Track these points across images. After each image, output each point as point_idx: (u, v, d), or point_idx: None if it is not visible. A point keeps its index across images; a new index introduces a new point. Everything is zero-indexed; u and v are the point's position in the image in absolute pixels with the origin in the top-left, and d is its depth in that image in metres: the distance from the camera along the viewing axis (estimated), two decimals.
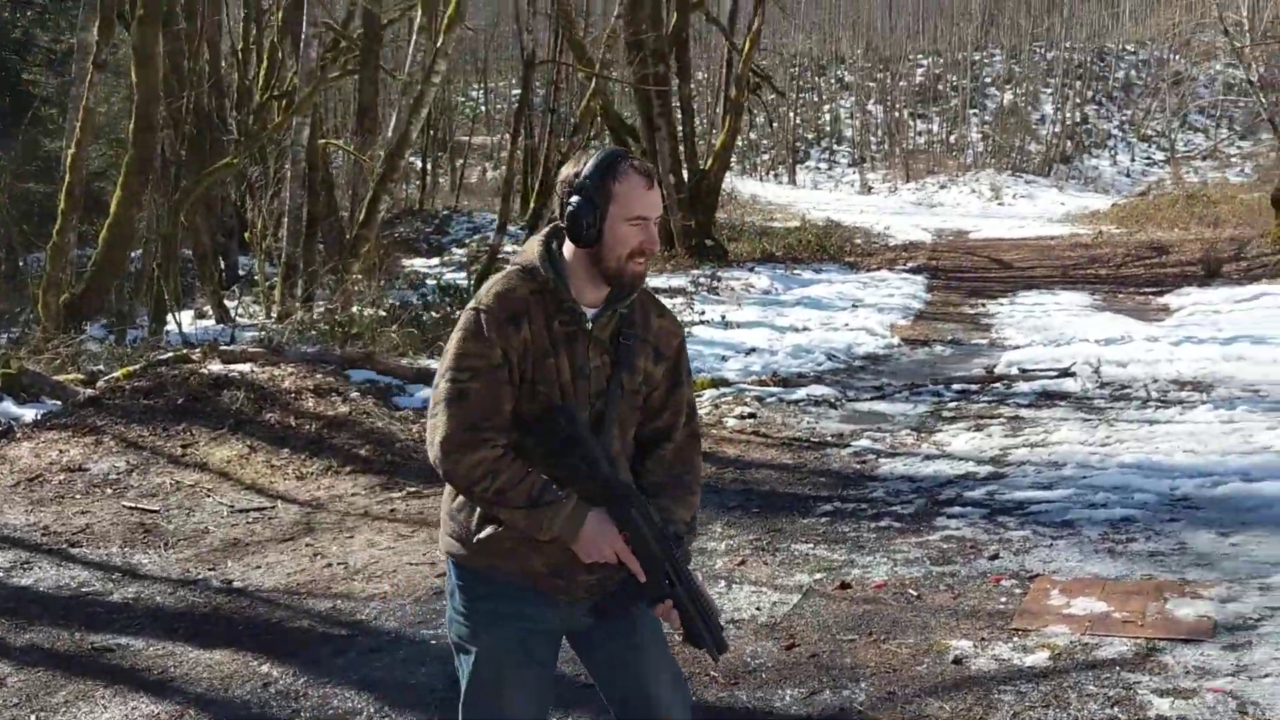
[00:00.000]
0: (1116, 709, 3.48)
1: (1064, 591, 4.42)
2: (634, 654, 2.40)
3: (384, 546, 5.52)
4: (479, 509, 2.29)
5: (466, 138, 38.68)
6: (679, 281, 16.43)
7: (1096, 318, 12.92)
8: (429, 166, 32.93)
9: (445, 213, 27.53)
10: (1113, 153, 42.94)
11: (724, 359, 10.74)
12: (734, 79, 22.50)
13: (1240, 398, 8.01)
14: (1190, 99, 41.67)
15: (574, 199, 2.26)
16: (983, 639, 4.07)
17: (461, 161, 35.31)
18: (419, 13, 15.23)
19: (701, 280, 16.69)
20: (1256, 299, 13.38)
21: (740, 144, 42.27)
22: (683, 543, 2.33)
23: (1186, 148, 42.23)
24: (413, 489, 6.55)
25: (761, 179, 42.30)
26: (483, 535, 2.28)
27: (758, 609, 4.50)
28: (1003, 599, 4.45)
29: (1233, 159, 40.22)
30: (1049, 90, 46.09)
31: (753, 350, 11.28)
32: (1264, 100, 32.53)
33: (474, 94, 46.82)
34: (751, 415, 8.28)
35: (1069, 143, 42.98)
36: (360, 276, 13.13)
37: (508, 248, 20.05)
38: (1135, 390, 8.60)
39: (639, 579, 2.25)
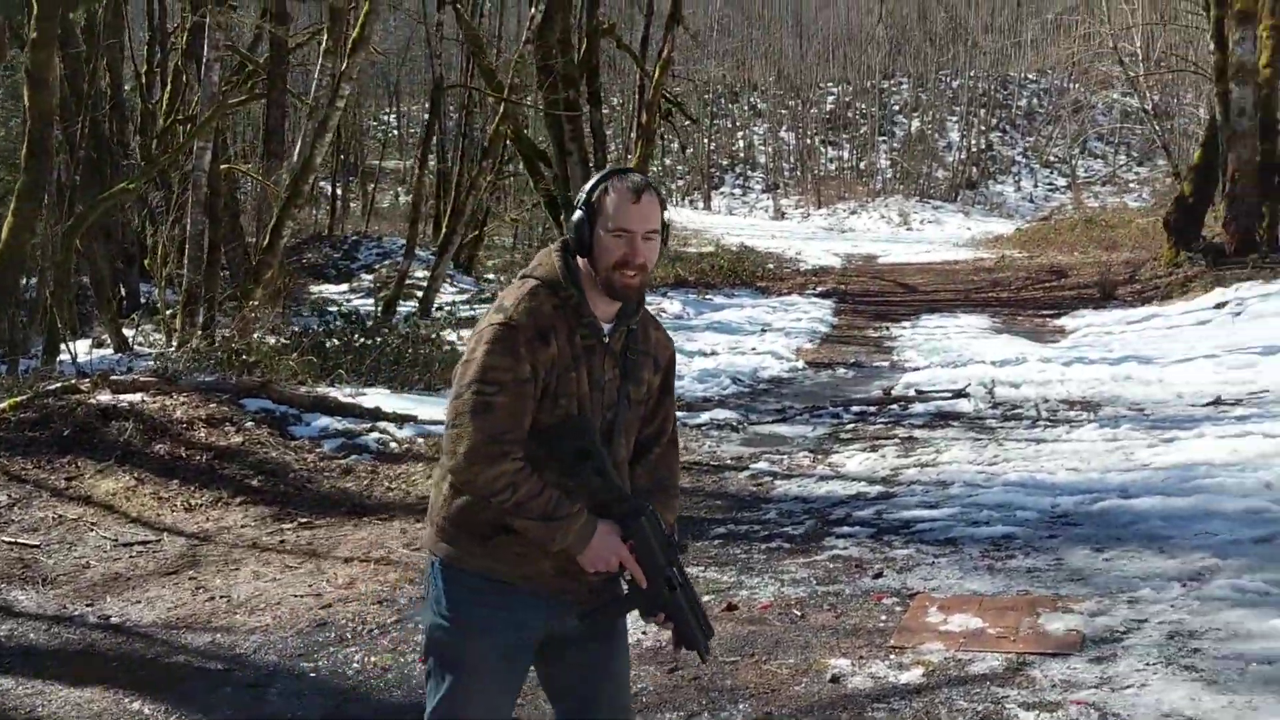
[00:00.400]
0: None
1: (942, 609, 4.51)
2: (608, 662, 2.49)
3: (269, 578, 5.43)
4: (486, 514, 2.32)
5: (378, 162, 38.34)
6: None
7: (994, 340, 13.24)
8: (339, 191, 32.57)
9: (354, 238, 27.24)
10: (1017, 179, 44.10)
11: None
12: (646, 105, 22.66)
13: (1125, 416, 8.26)
14: (1089, 126, 43.01)
15: (576, 213, 2.40)
16: (861, 657, 4.13)
17: (373, 186, 34.97)
18: (326, 36, 15.11)
19: None
20: (1147, 320, 13.83)
21: (656, 170, 42.57)
22: (684, 549, 2.45)
23: (1087, 174, 43.54)
24: (304, 519, 6.45)
25: (677, 204, 42.60)
26: (497, 540, 2.33)
27: (644, 634, 4.50)
28: (883, 617, 4.52)
29: (1130, 184, 41.55)
30: (955, 118, 47.22)
31: None
32: (1158, 128, 33.73)
33: (386, 118, 46.51)
34: None
35: (974, 169, 44.05)
36: (261, 303, 12.94)
37: (417, 273, 19.97)
38: (1026, 410, 8.81)
39: (641, 586, 2.36)
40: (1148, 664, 3.87)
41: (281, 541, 6.09)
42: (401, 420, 8.77)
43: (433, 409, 9.41)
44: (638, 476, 2.51)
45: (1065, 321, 14.92)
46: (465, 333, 14.11)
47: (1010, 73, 49.92)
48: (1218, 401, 8.54)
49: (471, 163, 22.80)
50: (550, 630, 2.41)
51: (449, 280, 22.09)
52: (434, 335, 12.07)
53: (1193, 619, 4.23)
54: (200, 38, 15.41)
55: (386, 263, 24.89)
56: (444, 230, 21.53)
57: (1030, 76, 49.63)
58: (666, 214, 2.45)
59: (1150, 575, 4.75)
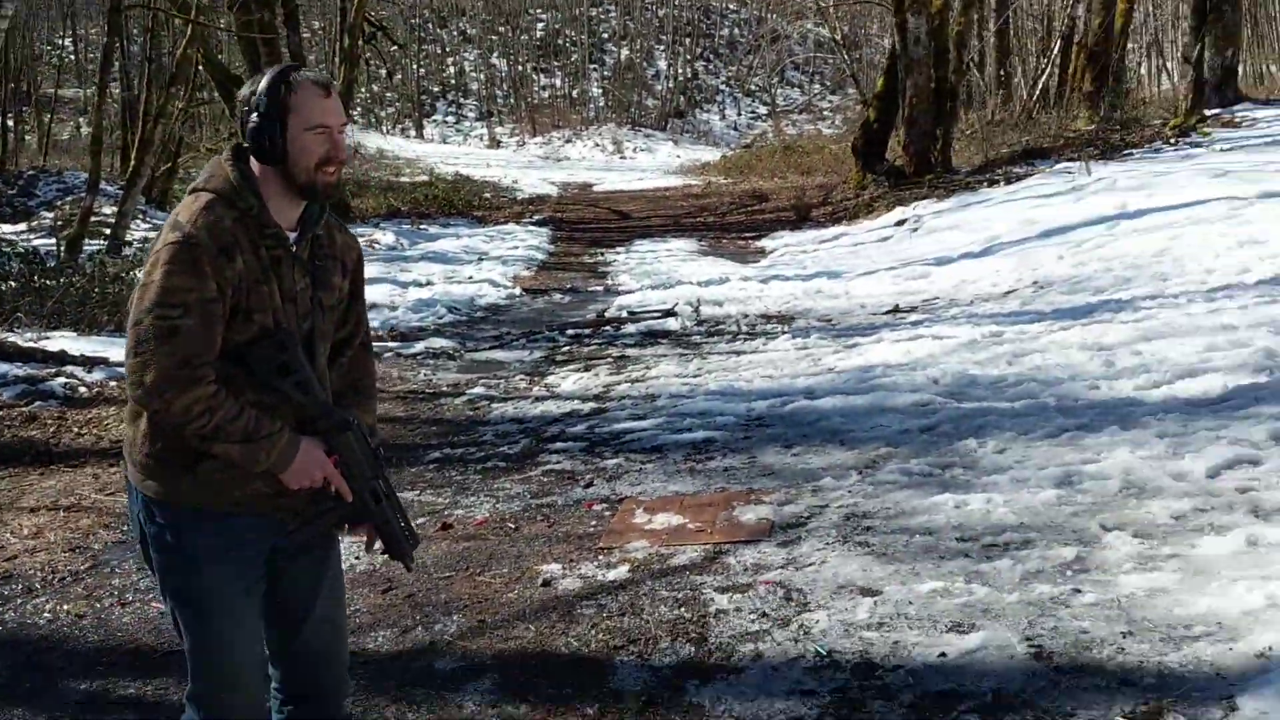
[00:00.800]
0: (683, 609, 3.81)
1: (647, 510, 4.75)
2: (322, 572, 2.47)
3: None
4: (186, 444, 2.22)
5: (54, 90, 35.09)
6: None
7: (701, 262, 13.81)
8: (10, 123, 29.60)
9: (31, 173, 24.90)
10: (721, 107, 45.69)
11: None
12: (348, 29, 21.84)
13: (815, 327, 8.87)
14: (786, 56, 44.97)
15: (253, 117, 2.25)
16: (571, 561, 4.31)
17: (49, 117, 32.01)
18: None
19: None
20: (837, 239, 14.80)
21: (364, 97, 41.16)
22: (387, 459, 2.43)
23: (785, 102, 45.66)
24: None
25: (387, 133, 41.46)
26: (201, 469, 2.24)
27: (356, 558, 4.50)
28: (594, 523, 4.72)
29: (825, 112, 43.98)
30: (662, 47, 48.21)
31: (373, 307, 11.12)
32: (847, 58, 35.66)
33: (61, 42, 42.52)
34: None
35: (682, 98, 45.25)
36: None
37: (105, 209, 18.53)
38: (728, 326, 9.29)
39: (346, 499, 2.33)
40: (827, 544, 4.25)
41: None
42: (91, 363, 8.23)
43: (123, 350, 8.88)
44: (334, 382, 2.46)
45: (765, 243, 15.71)
46: None
47: (713, 2, 51.36)
48: (896, 309, 9.32)
49: (160, 90, 21.27)
50: (273, 545, 2.37)
51: (141, 216, 20.61)
52: (125, 274, 11.31)
53: (866, 501, 4.66)
54: None
55: (70, 199, 22.90)
56: (132, 163, 20.09)
57: (731, 6, 51.27)
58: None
59: (832, 466, 5.18)
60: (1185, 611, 3.46)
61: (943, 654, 3.34)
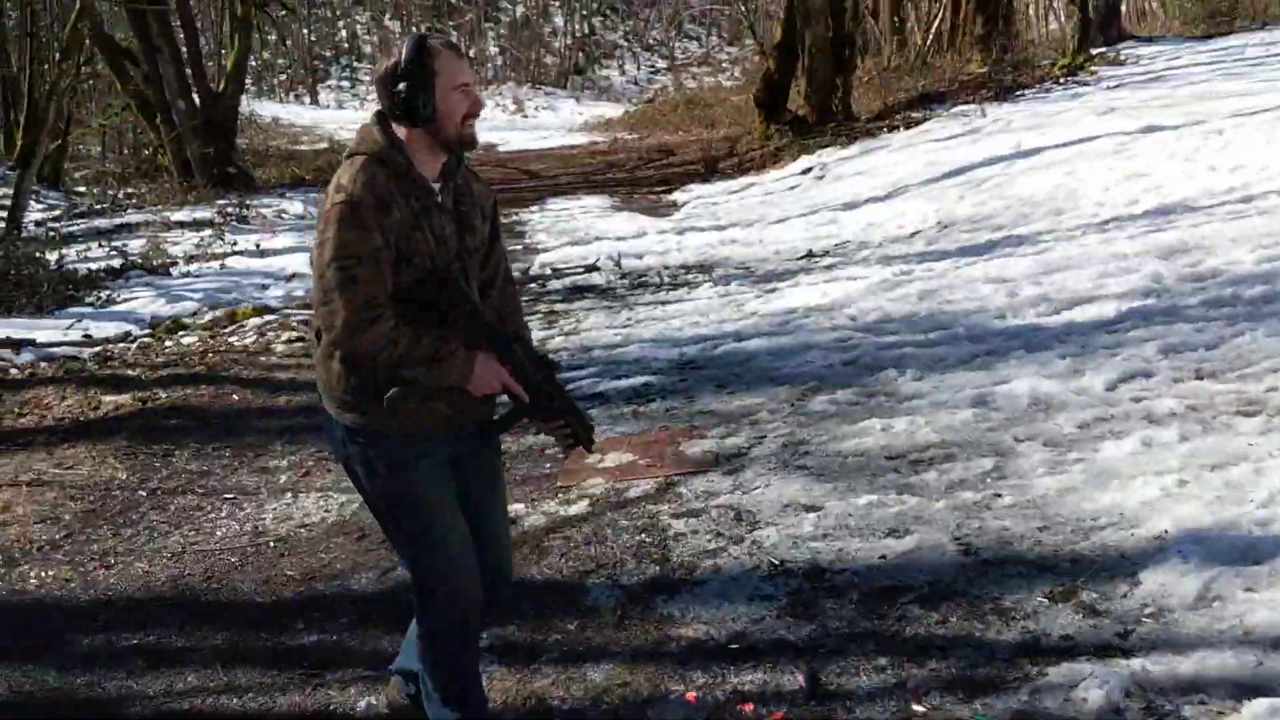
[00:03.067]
0: (644, 535, 4.13)
1: (599, 450, 5.03)
2: (494, 474, 2.89)
3: None
4: (377, 379, 2.54)
5: None
6: (204, 213, 15.71)
7: (616, 217, 14.03)
8: None
9: None
10: (620, 63, 45.70)
11: (264, 287, 10.59)
12: None
13: (734, 275, 9.20)
14: (683, 9, 45.11)
15: (401, 85, 2.52)
16: (533, 500, 4.60)
17: None
18: None
19: (229, 210, 16.05)
20: (746, 189, 15.15)
21: (255, 64, 40.23)
22: (558, 366, 2.74)
23: (684, 56, 45.83)
24: None
25: (282, 100, 40.69)
26: (391, 395, 2.53)
27: (326, 511, 4.74)
28: (548, 465, 5.01)
29: (724, 64, 44.26)
30: (558, 3, 47.92)
31: (295, 276, 11.17)
32: (744, 9, 35.90)
33: None
34: (300, 339, 8.31)
35: (581, 55, 45.14)
36: None
37: None
38: (650, 278, 9.58)
39: (523, 401, 2.66)
40: (769, 469, 4.60)
41: None
42: (17, 345, 8.22)
43: (49, 331, 8.86)
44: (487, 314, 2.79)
45: (677, 196, 15.99)
46: (67, 250, 13.05)
47: None
48: (809, 255, 9.70)
49: (46, 65, 20.67)
50: (455, 454, 2.73)
51: (36, 196, 20.12)
52: (37, 254, 11.16)
53: (801, 430, 5.03)
54: None
55: None
56: (20, 142, 19.53)
57: None
58: None
59: (765, 401, 5.53)
60: (1092, 506, 3.88)
61: (883, 556, 3.72)
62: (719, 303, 8.13)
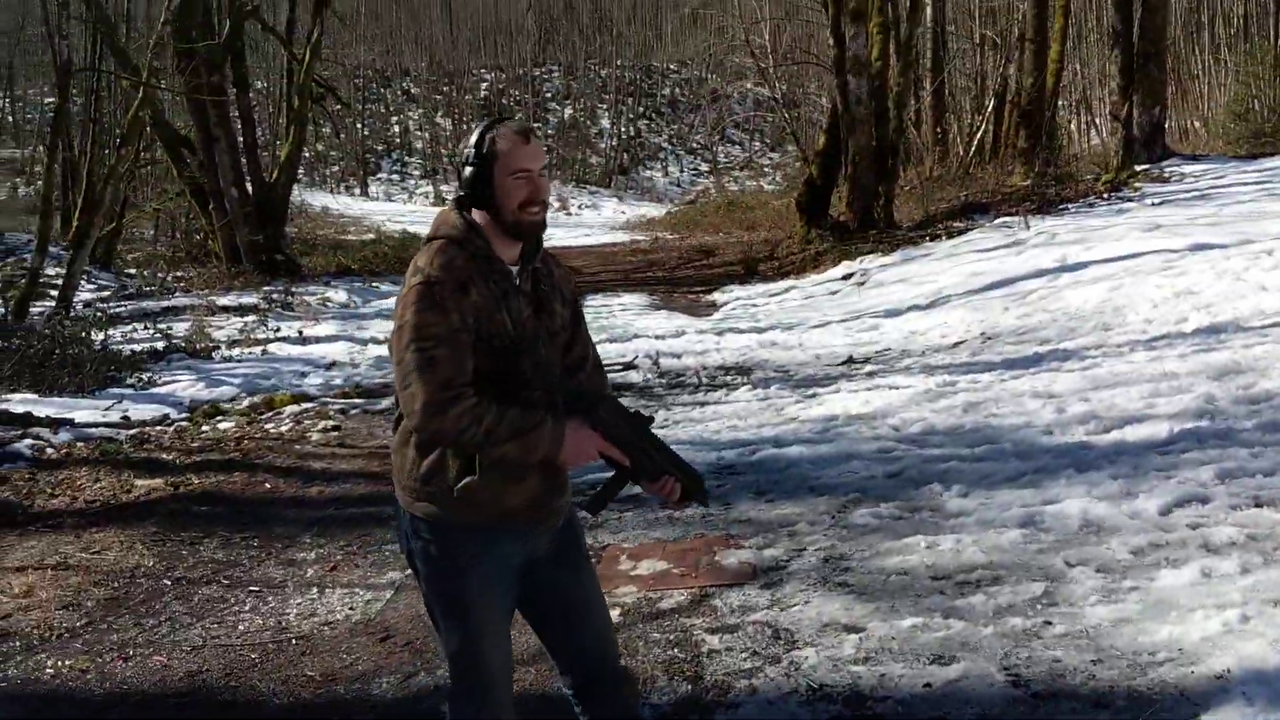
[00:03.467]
0: (676, 649, 3.98)
1: (631, 556, 4.92)
2: (580, 579, 2.75)
3: None
4: (453, 468, 2.47)
5: None
6: (250, 299, 15.91)
7: (655, 316, 14.06)
8: None
9: None
10: (664, 164, 46.37)
11: (304, 375, 10.61)
12: (297, 90, 22.02)
13: (774, 378, 9.11)
14: (727, 115, 45.88)
15: (467, 169, 2.53)
16: None
17: None
18: None
19: (275, 296, 16.25)
20: (787, 292, 15.15)
21: (308, 156, 41.20)
22: (650, 420, 2.63)
23: (726, 159, 46.46)
24: None
25: (333, 191, 41.51)
26: (462, 485, 2.46)
27: (351, 609, 4.62)
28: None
29: (765, 169, 44.80)
30: (605, 106, 48.91)
31: (334, 364, 11.22)
32: (787, 116, 36.45)
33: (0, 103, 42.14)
34: (336, 428, 8.29)
35: (625, 155, 45.89)
36: None
37: (50, 270, 18.38)
38: (688, 378, 9.51)
39: (624, 465, 2.55)
40: (809, 584, 4.44)
41: None
42: (56, 424, 8.23)
43: (88, 411, 8.89)
44: None
45: (716, 296, 16.02)
46: (113, 331, 13.21)
47: (653, 63, 52.29)
48: (850, 361, 9.61)
49: (111, 151, 21.24)
50: (528, 555, 2.62)
51: (88, 277, 20.50)
52: (82, 334, 11.29)
53: (842, 544, 4.88)
54: None
55: (11, 260, 22.72)
56: (76, 224, 19.96)
57: (672, 67, 52.21)
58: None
59: (805, 512, 5.39)
60: (1149, 639, 3.69)
61: (928, 684, 3.54)
62: (758, 406, 8.03)
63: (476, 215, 2.57)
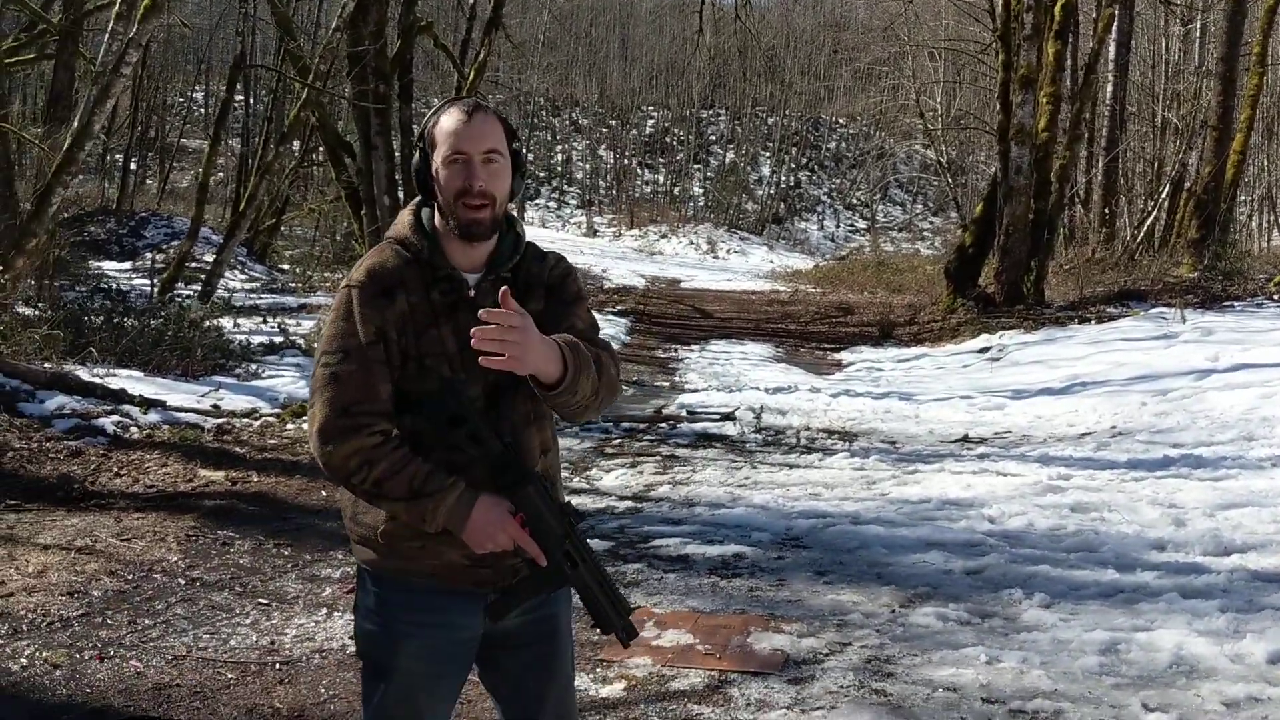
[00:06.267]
0: None
1: (659, 624, 4.50)
2: (550, 661, 2.27)
3: None
4: (369, 508, 2.10)
5: (178, 139, 36.59)
6: None
7: (773, 369, 13.58)
8: (133, 166, 30.87)
9: (143, 215, 25.84)
10: (821, 218, 45.73)
11: None
12: None
13: (877, 448, 8.55)
14: (891, 174, 45.01)
15: (415, 156, 2.17)
16: None
17: (169, 163, 33.33)
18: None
19: None
20: (917, 359, 14.47)
21: None
22: (581, 518, 2.16)
23: (885, 219, 45.56)
24: (14, 502, 5.96)
25: None
26: (381, 529, 2.09)
27: (350, 638, 4.32)
28: (598, 630, 4.47)
29: (925, 232, 43.72)
30: (767, 154, 48.63)
31: None
32: (951, 181, 35.50)
33: (195, 95, 44.46)
34: None
35: (782, 205, 45.44)
36: (22, 274, 12.02)
37: (207, 258, 19.04)
38: (787, 437, 9.02)
39: (540, 564, 2.08)
40: (841, 687, 3.95)
41: None
42: (148, 405, 8.29)
43: (185, 396, 8.96)
44: None
45: (844, 355, 15.44)
46: (244, 321, 13.52)
47: (822, 116, 51.80)
48: (965, 439, 8.97)
49: (272, 147, 22.00)
50: (488, 628, 2.17)
51: (241, 267, 21.19)
52: (204, 320, 11.49)
53: (893, 645, 4.35)
54: None
55: (175, 243, 23.70)
56: (240, 210, 20.69)
57: (840, 121, 51.61)
58: (518, 144, 2.18)
59: (863, 601, 4.88)
60: None
61: None
62: (850, 476, 7.50)
63: (437, 217, 2.17)
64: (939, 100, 34.08)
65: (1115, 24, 20.14)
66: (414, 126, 24.53)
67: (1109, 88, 23.05)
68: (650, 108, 52.06)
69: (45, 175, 14.31)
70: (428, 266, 2.13)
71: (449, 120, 2.12)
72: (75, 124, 13.59)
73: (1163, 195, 22.02)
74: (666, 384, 12.40)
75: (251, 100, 31.79)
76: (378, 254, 2.15)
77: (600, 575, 2.15)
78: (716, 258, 37.51)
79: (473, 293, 2.15)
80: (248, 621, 4.47)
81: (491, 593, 2.15)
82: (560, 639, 2.30)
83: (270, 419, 8.65)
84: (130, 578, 4.85)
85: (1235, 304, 14.60)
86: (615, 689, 3.91)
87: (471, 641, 2.19)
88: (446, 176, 2.11)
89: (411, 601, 2.13)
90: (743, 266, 35.07)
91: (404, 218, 2.20)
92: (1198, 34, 23.90)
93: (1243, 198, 22.91)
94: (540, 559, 2.08)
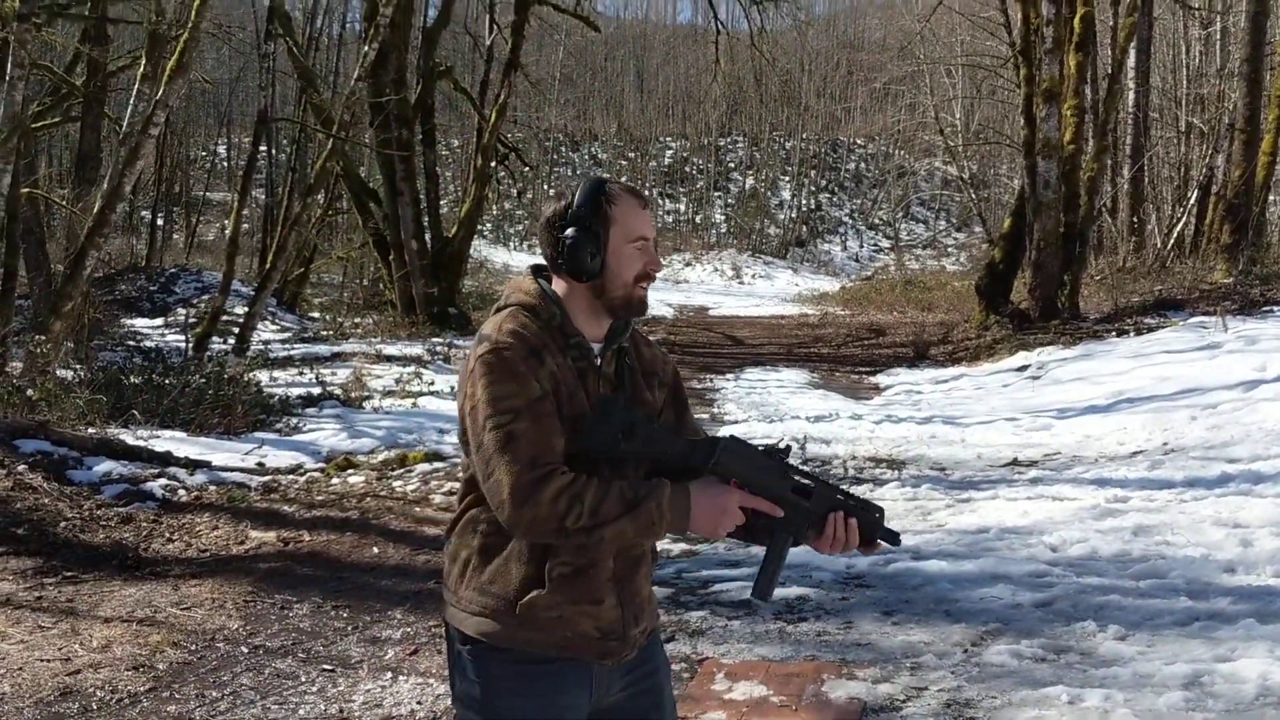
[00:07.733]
0: None
1: (729, 675, 4.43)
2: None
3: (16, 640, 4.95)
4: (518, 575, 2.05)
5: (203, 193, 37.00)
6: (415, 349, 16.12)
7: (811, 395, 13.49)
8: (160, 222, 31.23)
9: (172, 270, 26.09)
10: (844, 239, 45.65)
11: (443, 432, 10.51)
12: (481, 149, 22.52)
13: (927, 476, 8.45)
14: (912, 192, 44.95)
15: (569, 232, 2.12)
16: None
17: (195, 217, 33.68)
18: (144, 61, 14.48)
19: (439, 348, 16.43)
20: (955, 380, 14.34)
21: (495, 214, 42.39)
22: (788, 451, 2.14)
23: (909, 237, 45.42)
24: (70, 574, 5.95)
25: (515, 249, 42.47)
26: (525, 600, 2.04)
27: (419, 702, 4.28)
28: (676, 686, 4.41)
29: (949, 249, 43.57)
30: (787, 178, 48.66)
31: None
32: (974, 196, 35.40)
33: (217, 148, 45.02)
34: None
35: (804, 228, 45.40)
36: (61, 337, 12.14)
37: (238, 310, 19.18)
38: (834, 467, 8.94)
39: (777, 515, 2.05)
40: None
41: (39, 598, 5.59)
42: (194, 466, 8.30)
43: (229, 455, 8.97)
44: None
45: (880, 379, 15.33)
46: (279, 373, 13.57)
47: (840, 137, 51.84)
48: (1014, 463, 8.86)
49: (298, 198, 22.20)
50: (596, 705, 2.15)
51: (272, 318, 21.31)
52: (242, 375, 11.53)
53: (970, 686, 4.27)
54: (4, 55, 14.55)
55: (206, 297, 23.90)
56: (268, 263, 20.85)
57: (859, 141, 51.63)
58: None
59: (935, 640, 4.79)
60: None
61: None
62: (903, 507, 7.41)
63: (556, 285, 2.18)
64: (958, 115, 34.05)
65: (1135, 32, 20.04)
66: (437, 170, 24.71)
67: (1130, 95, 22.94)
68: (668, 138, 52.26)
69: (77, 237, 14.51)
70: (559, 332, 2.13)
71: (628, 205, 2.16)
72: (105, 185, 13.77)
73: (1190, 200, 21.85)
74: (706, 416, 12.33)
75: (274, 151, 32.14)
76: (512, 319, 2.12)
77: (839, 491, 2.13)
78: (742, 283, 37.50)
79: (599, 361, 2.16)
80: (314, 689, 4.43)
81: (625, 660, 2.14)
82: (665, 711, 2.26)
83: (315, 474, 8.65)
84: (194, 648, 4.82)
85: (1275, 309, 14.40)
86: None
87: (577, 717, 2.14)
88: (629, 257, 2.14)
89: (523, 683, 2.08)
90: (769, 291, 35.04)
91: (527, 284, 2.19)
92: (1218, 36, 23.78)
93: (1273, 198, 22.66)
94: (776, 511, 2.05)
